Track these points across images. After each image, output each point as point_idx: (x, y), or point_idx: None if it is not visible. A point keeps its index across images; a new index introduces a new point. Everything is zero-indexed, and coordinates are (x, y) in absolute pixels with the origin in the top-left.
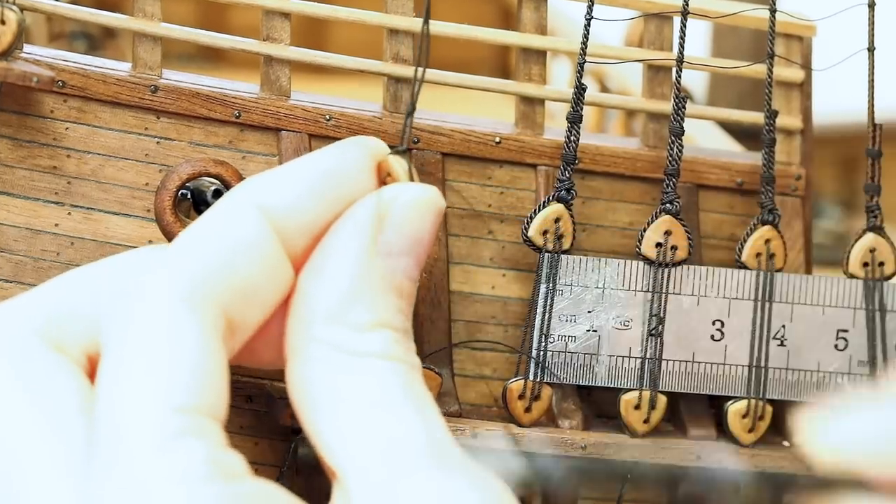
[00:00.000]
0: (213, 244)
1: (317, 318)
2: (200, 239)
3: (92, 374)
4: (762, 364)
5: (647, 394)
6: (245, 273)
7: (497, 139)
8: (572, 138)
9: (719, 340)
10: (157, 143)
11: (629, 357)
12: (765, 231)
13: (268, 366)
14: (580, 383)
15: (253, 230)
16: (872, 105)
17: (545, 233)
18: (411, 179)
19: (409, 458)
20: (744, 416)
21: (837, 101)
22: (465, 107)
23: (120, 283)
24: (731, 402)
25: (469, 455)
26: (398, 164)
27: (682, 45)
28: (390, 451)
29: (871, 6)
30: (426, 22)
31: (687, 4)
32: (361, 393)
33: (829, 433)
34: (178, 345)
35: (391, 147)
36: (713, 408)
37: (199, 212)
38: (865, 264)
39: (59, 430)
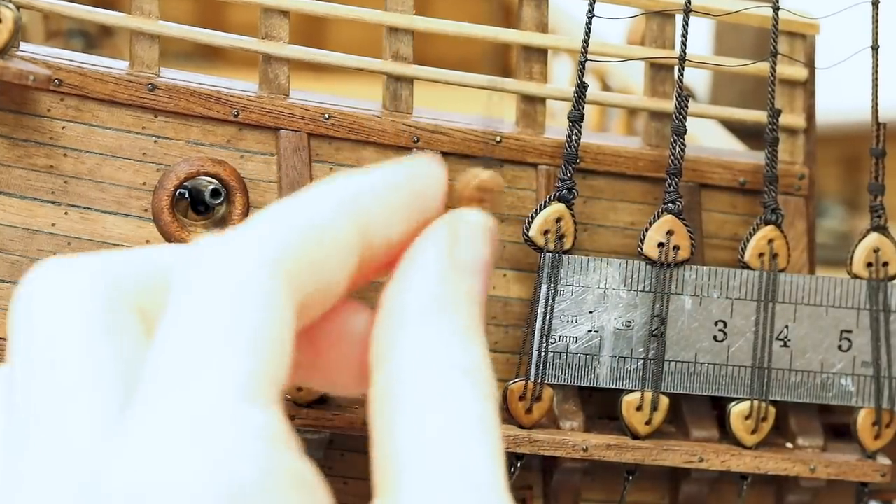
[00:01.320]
0: (300, 220)
1: (407, 322)
2: (289, 214)
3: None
4: (765, 365)
5: (649, 395)
6: (324, 257)
7: (498, 138)
8: (573, 137)
9: (722, 341)
10: (155, 141)
11: (631, 358)
12: (768, 231)
13: (339, 392)
14: (582, 384)
15: (338, 220)
16: (876, 104)
17: (546, 233)
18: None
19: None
20: (747, 418)
21: (841, 99)
22: (465, 105)
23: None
24: (733, 403)
25: None
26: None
27: (684, 44)
28: (457, 488)
29: (876, 4)
30: None
31: (689, 2)
32: (447, 419)
33: None
34: (259, 310)
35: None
36: (716, 409)
37: (197, 211)
38: (869, 264)
39: (103, 375)
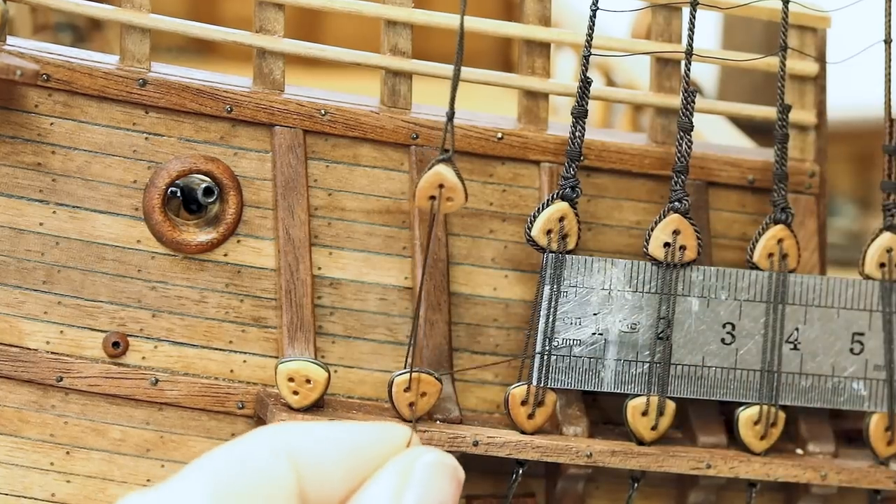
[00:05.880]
0: (233, 478)
1: None
2: (222, 472)
3: None
4: (775, 368)
5: (654, 399)
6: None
7: (499, 135)
8: (577, 134)
9: (730, 344)
10: (146, 138)
11: (636, 361)
12: (777, 230)
13: None
14: (585, 389)
15: (279, 478)
16: (889, 99)
17: (549, 232)
18: (461, 184)
19: None
20: (755, 423)
21: (853, 94)
22: (465, 101)
23: None
24: (742, 408)
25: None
26: (449, 173)
27: (691, 37)
28: None
29: None
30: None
31: None
32: None
33: None
34: None
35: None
36: (724, 414)
37: (190, 210)
38: (882, 265)
39: None
